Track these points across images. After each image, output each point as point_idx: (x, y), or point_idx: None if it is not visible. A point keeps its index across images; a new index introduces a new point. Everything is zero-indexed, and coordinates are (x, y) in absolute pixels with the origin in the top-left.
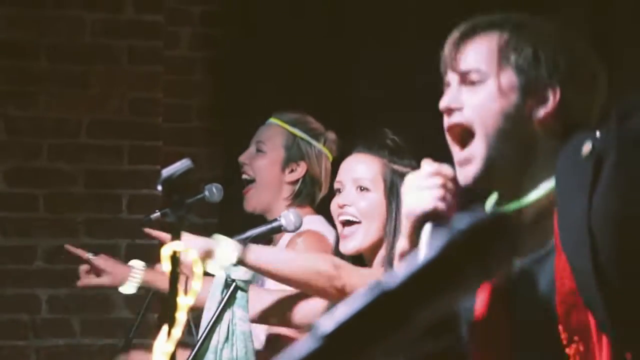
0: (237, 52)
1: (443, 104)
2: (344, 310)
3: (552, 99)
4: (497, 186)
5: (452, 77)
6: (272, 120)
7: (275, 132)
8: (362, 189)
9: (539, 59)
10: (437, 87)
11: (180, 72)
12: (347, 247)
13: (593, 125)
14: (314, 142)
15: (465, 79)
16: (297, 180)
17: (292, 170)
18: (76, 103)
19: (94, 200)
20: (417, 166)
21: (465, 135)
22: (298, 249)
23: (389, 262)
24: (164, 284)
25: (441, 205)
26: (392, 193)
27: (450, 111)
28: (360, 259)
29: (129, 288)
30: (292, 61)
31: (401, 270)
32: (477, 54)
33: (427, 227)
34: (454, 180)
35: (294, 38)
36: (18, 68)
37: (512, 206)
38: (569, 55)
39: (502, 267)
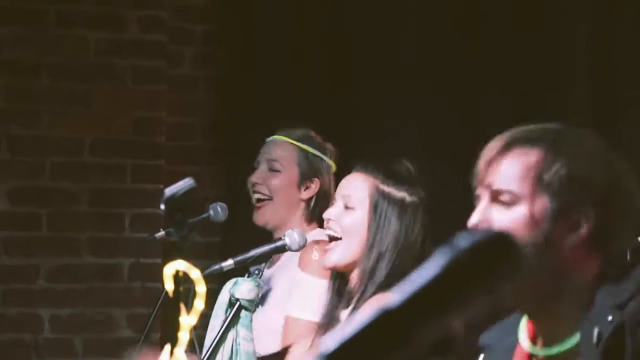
0: (240, 70)
1: (472, 222)
2: (346, 329)
3: (586, 225)
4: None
5: (483, 192)
6: (280, 137)
7: (287, 150)
8: (349, 206)
9: (574, 179)
10: (436, 107)
11: (184, 91)
12: (327, 260)
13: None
14: (324, 157)
15: (496, 198)
16: (312, 197)
17: (307, 188)
18: (79, 122)
19: (97, 219)
20: (419, 194)
21: None
22: (314, 257)
23: (362, 283)
24: None
25: None
26: (376, 214)
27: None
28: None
29: None
30: (294, 79)
31: (403, 288)
32: (511, 173)
33: None
34: None
35: (296, 56)
36: (21, 87)
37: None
38: (604, 175)
39: (505, 286)
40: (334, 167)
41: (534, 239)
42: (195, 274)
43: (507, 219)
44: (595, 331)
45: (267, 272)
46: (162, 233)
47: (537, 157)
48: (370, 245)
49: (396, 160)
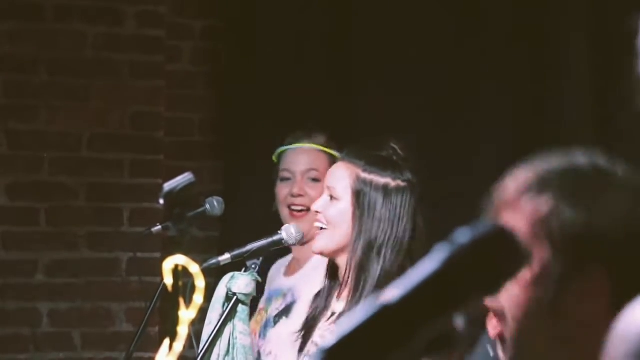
0: (239, 66)
1: None
2: (345, 325)
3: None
4: None
5: None
6: (308, 145)
7: (320, 158)
8: (334, 197)
9: (588, 233)
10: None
11: (182, 86)
12: (314, 247)
13: None
14: None
15: None
16: None
17: None
18: (77, 117)
19: (95, 213)
20: (405, 177)
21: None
22: None
23: (356, 276)
24: None
25: None
26: (359, 204)
27: None
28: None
29: None
30: (294, 76)
31: (403, 284)
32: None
33: None
34: None
35: (296, 52)
36: (19, 82)
37: None
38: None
39: (505, 282)
40: None
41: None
42: (194, 268)
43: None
44: None
45: (287, 282)
46: (158, 227)
47: (546, 206)
48: (357, 235)
49: (382, 144)
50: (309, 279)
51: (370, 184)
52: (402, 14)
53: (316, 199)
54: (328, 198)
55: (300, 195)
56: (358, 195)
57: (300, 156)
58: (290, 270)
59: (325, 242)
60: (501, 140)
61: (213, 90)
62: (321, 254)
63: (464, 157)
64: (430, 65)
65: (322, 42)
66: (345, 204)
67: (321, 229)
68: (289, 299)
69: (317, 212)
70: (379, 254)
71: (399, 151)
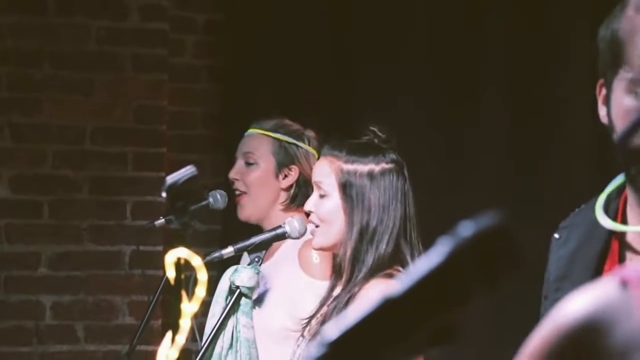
0: (242, 59)
1: None
2: (349, 317)
3: None
4: None
5: None
6: (253, 130)
7: (261, 142)
8: (322, 194)
9: None
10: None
11: (185, 79)
12: (313, 244)
13: None
14: (299, 144)
15: None
16: (292, 185)
17: (285, 176)
18: (81, 110)
19: (98, 206)
20: (389, 159)
21: None
22: (315, 260)
23: (350, 265)
24: None
25: None
26: (347, 196)
27: None
28: None
29: None
30: (296, 69)
31: (406, 277)
32: None
33: None
34: None
35: (298, 46)
36: (23, 75)
37: None
38: None
39: (509, 277)
40: (314, 153)
41: None
42: (196, 261)
43: None
44: None
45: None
46: (161, 220)
47: None
48: (350, 226)
49: (361, 131)
50: (279, 268)
51: (355, 173)
52: (404, 8)
53: (249, 182)
54: (318, 196)
55: (236, 180)
56: (345, 188)
57: (244, 142)
58: (264, 259)
59: (321, 238)
60: (502, 129)
61: (216, 83)
62: (321, 249)
63: (464, 147)
64: (430, 51)
65: (324, 36)
66: (334, 199)
67: (316, 226)
68: (261, 288)
69: (310, 211)
70: (371, 241)
71: (379, 133)
